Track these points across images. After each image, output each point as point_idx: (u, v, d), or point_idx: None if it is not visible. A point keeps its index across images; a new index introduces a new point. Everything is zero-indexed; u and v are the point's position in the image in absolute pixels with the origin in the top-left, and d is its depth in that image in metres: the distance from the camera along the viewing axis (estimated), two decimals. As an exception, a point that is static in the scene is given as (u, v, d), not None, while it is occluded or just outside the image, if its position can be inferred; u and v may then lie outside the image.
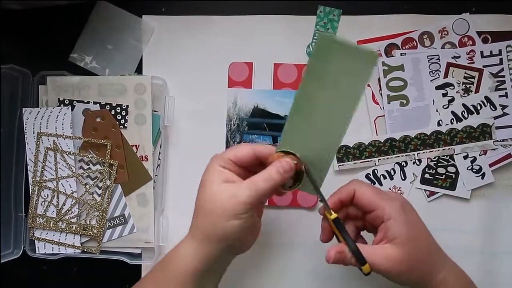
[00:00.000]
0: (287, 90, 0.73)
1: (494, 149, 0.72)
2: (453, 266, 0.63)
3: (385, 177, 0.73)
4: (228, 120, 0.74)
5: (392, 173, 0.73)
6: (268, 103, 0.74)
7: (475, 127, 0.72)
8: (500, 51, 0.72)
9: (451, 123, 0.72)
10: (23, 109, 0.72)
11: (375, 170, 0.73)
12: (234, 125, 0.74)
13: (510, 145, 0.72)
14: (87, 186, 0.72)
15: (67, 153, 0.72)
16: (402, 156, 0.72)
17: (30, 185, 0.72)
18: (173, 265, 0.59)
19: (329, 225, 0.61)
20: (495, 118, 0.72)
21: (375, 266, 0.58)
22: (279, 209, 0.74)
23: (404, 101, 0.72)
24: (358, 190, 0.61)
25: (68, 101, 0.72)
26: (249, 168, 0.60)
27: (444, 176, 0.73)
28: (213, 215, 0.56)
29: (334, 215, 0.59)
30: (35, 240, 0.73)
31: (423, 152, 0.72)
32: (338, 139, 0.57)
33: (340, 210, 0.62)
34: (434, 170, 0.72)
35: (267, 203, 0.73)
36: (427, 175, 0.73)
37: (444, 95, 0.72)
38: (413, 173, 0.73)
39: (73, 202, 0.72)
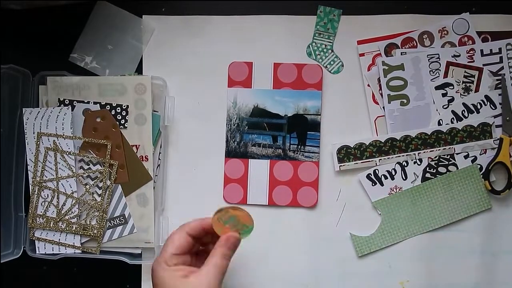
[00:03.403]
0: (287, 90, 0.73)
1: (494, 148, 0.72)
2: None
3: (386, 177, 0.73)
4: (228, 120, 0.74)
5: (393, 173, 0.73)
6: (268, 103, 0.74)
7: (476, 126, 0.72)
8: (500, 49, 0.72)
9: (452, 122, 0.72)
10: (23, 109, 0.72)
11: (376, 170, 0.73)
12: (234, 125, 0.74)
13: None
14: (87, 186, 0.72)
15: (67, 153, 0.72)
16: (403, 156, 0.72)
17: (30, 185, 0.72)
18: None
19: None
20: (495, 117, 0.72)
21: None
22: (279, 208, 0.74)
23: (405, 101, 0.72)
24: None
25: (68, 101, 0.72)
26: (197, 240, 0.64)
27: (444, 175, 0.73)
28: None
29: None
30: (35, 240, 0.72)
31: (424, 152, 0.72)
32: None
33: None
34: (435, 170, 0.72)
35: (267, 203, 0.73)
36: (428, 175, 0.72)
37: (444, 94, 0.72)
38: (414, 173, 0.73)
39: (73, 202, 0.72)
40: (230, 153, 0.74)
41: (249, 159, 0.74)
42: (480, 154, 0.72)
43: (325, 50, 0.74)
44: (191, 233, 0.63)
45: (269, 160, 0.73)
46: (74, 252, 0.72)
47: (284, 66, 0.73)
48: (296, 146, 0.73)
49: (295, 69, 0.73)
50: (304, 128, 0.73)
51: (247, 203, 0.74)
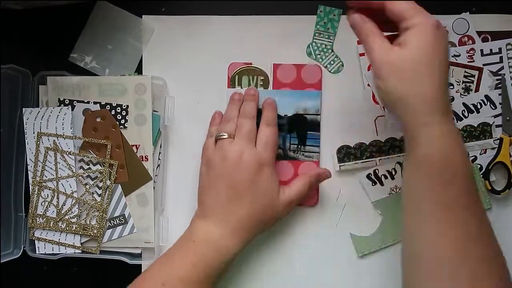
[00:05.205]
0: (286, 90, 0.73)
1: (494, 148, 0.72)
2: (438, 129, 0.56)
3: (386, 177, 0.73)
4: (228, 120, 0.74)
5: (393, 173, 0.73)
6: (268, 103, 0.74)
7: (476, 126, 0.72)
8: (500, 49, 0.72)
9: (452, 122, 0.72)
10: (23, 109, 0.72)
11: (376, 170, 0.73)
12: (234, 125, 0.74)
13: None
14: (87, 186, 0.72)
15: (67, 153, 0.72)
16: (403, 155, 0.72)
17: (30, 185, 0.72)
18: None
19: None
20: (495, 116, 0.72)
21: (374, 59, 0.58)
22: (279, 209, 0.74)
23: (405, 101, 0.72)
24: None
25: (68, 101, 0.72)
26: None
27: (444, 175, 0.73)
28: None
29: None
30: (35, 240, 0.72)
31: (424, 152, 0.72)
32: None
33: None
34: (434, 170, 0.72)
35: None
36: (427, 175, 0.72)
37: (444, 94, 0.72)
38: (414, 173, 0.72)
39: (73, 202, 0.72)
40: (230, 153, 0.74)
41: (249, 159, 0.74)
42: (480, 154, 0.72)
43: (325, 50, 0.74)
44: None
45: (269, 160, 0.73)
46: (74, 252, 0.72)
47: (283, 67, 0.73)
48: (296, 146, 0.73)
49: (294, 70, 0.73)
50: (304, 128, 0.73)
51: (247, 203, 0.73)
